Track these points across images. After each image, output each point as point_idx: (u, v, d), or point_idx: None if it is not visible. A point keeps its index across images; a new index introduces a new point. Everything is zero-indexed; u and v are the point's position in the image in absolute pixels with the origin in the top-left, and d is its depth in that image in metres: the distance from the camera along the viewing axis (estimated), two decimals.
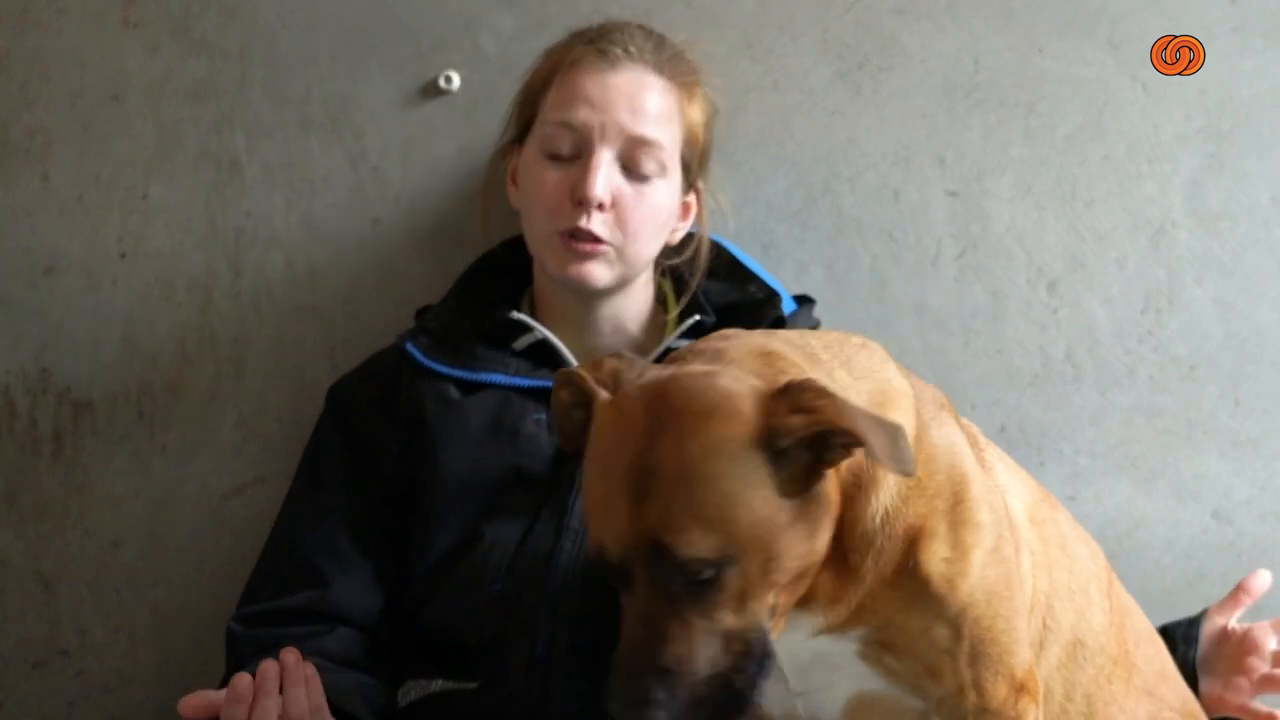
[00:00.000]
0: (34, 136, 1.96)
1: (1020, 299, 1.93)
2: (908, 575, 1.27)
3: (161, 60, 1.96)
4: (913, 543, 1.27)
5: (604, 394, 1.23)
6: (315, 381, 1.90)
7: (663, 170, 1.69)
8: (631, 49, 1.70)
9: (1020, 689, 1.32)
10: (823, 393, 1.16)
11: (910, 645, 1.29)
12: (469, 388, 1.69)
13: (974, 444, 1.40)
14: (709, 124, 1.78)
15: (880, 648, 1.29)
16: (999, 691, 1.31)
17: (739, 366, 1.22)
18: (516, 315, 1.72)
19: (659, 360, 1.65)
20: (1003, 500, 1.37)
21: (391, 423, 1.70)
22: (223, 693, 1.44)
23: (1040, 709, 1.34)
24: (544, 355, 1.72)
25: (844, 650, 1.30)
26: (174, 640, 1.95)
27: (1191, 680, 1.67)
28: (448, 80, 1.93)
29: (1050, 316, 1.93)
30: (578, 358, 1.72)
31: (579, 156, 1.68)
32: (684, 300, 1.78)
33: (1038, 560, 1.42)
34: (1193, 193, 1.92)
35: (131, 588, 1.96)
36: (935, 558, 1.27)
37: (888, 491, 1.25)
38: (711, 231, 1.84)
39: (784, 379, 1.19)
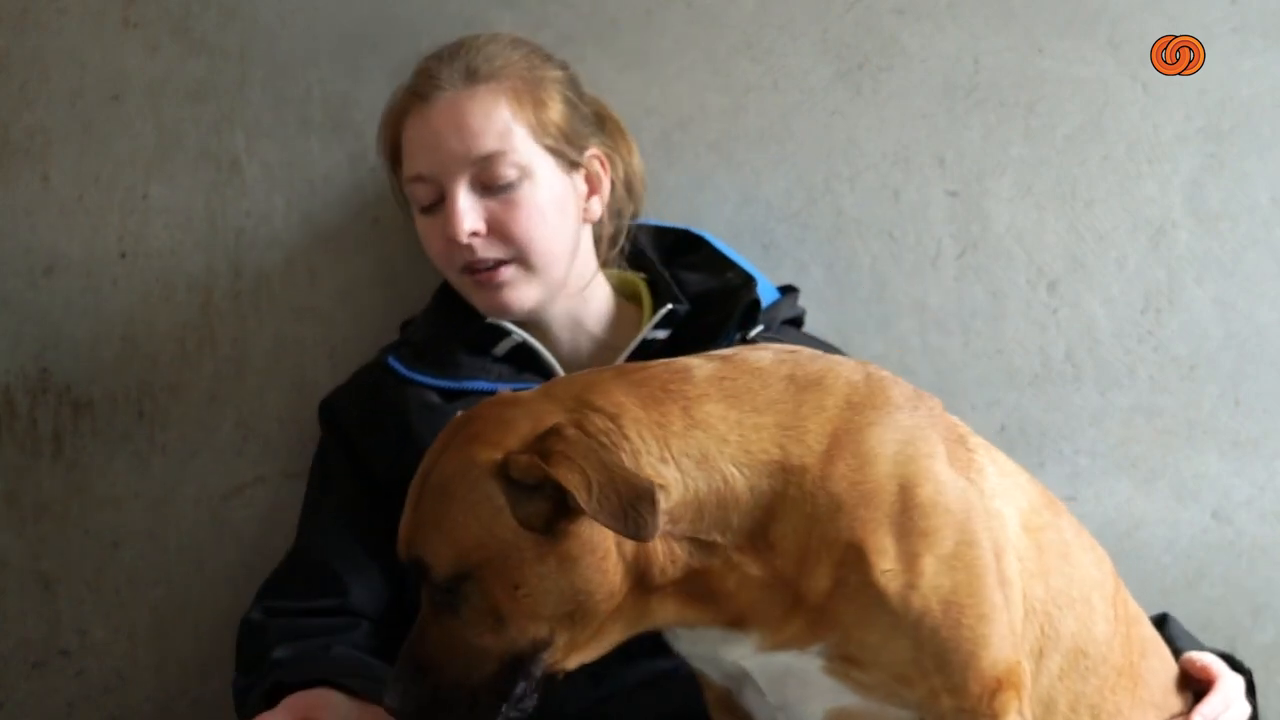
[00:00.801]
0: (34, 136, 1.96)
1: (1020, 299, 1.93)
2: (855, 590, 1.25)
3: (161, 60, 1.96)
4: (854, 557, 1.25)
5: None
6: (315, 381, 1.90)
7: (524, 171, 1.67)
8: (440, 78, 1.68)
9: (996, 686, 1.29)
10: (567, 441, 1.21)
11: (874, 659, 1.28)
12: (452, 395, 1.70)
13: (960, 445, 1.37)
14: (564, 98, 1.73)
15: (845, 662, 1.28)
16: (973, 691, 1.29)
17: (557, 401, 1.27)
18: (494, 321, 1.73)
19: (636, 354, 1.68)
20: (974, 503, 1.32)
21: (380, 433, 1.71)
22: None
23: (1025, 701, 1.32)
24: (525, 359, 1.72)
25: (809, 666, 1.29)
26: (174, 640, 1.95)
27: None
28: None
29: (1050, 316, 1.93)
30: (558, 361, 1.72)
31: (443, 202, 1.68)
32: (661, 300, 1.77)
33: (1030, 567, 1.37)
34: (1193, 193, 1.92)
35: (131, 588, 1.96)
36: (877, 570, 1.25)
37: (794, 514, 1.25)
38: (699, 227, 1.84)
39: (559, 421, 1.24)
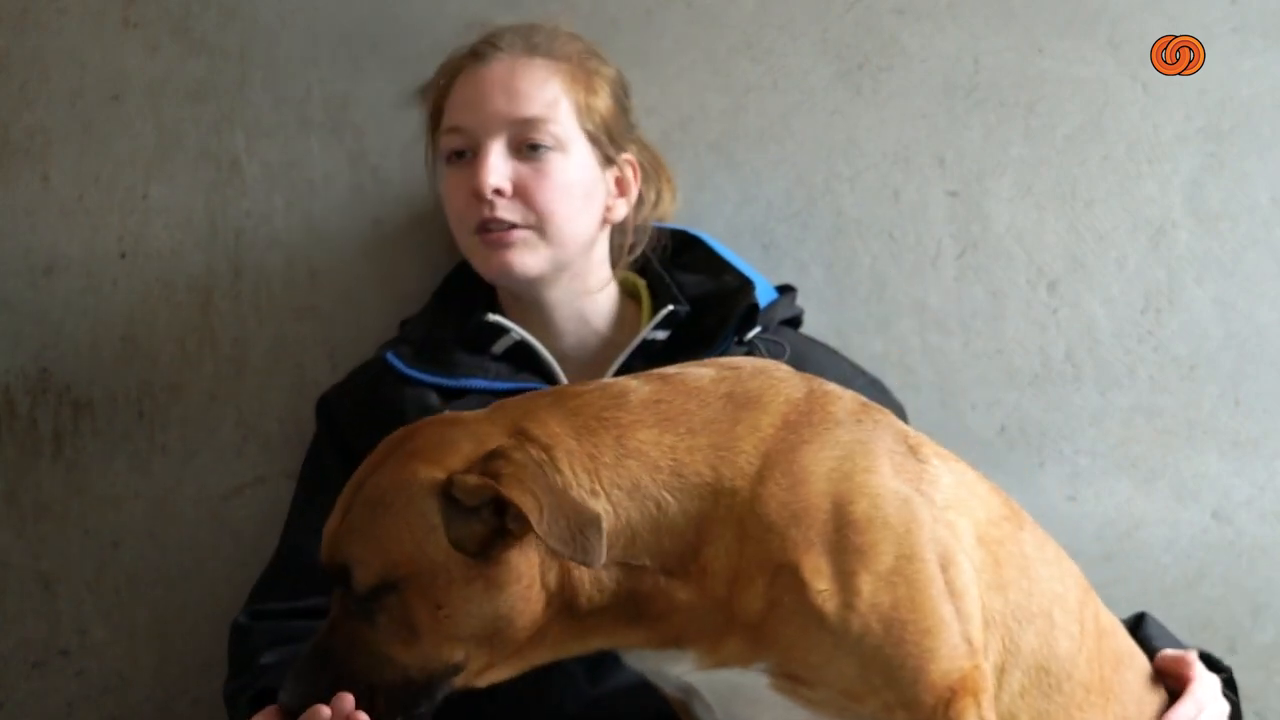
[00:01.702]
0: (34, 136, 1.96)
1: (1020, 299, 1.93)
2: (791, 611, 1.25)
3: (161, 60, 1.96)
4: (788, 578, 1.24)
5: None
6: (315, 381, 1.90)
7: (559, 144, 1.69)
8: (501, 44, 1.72)
9: (950, 694, 1.27)
10: (515, 464, 1.21)
11: (819, 677, 1.27)
12: (450, 394, 1.70)
13: (910, 456, 1.34)
14: (614, 96, 1.76)
15: (790, 680, 1.27)
16: (926, 702, 1.26)
17: (499, 426, 1.27)
18: (493, 318, 1.73)
19: (636, 353, 1.67)
20: (916, 515, 1.29)
21: (377, 431, 1.69)
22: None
23: (986, 704, 1.29)
24: (523, 358, 1.72)
25: (755, 683, 1.28)
26: (174, 640, 1.95)
27: None
28: None
29: (1050, 316, 1.93)
30: (555, 359, 1.72)
31: (474, 156, 1.69)
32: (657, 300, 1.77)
33: (988, 578, 1.34)
34: (1193, 193, 1.92)
35: (131, 588, 1.95)
36: (812, 591, 1.24)
37: (725, 536, 1.24)
38: (698, 229, 1.84)
39: (503, 444, 1.25)
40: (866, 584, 1.25)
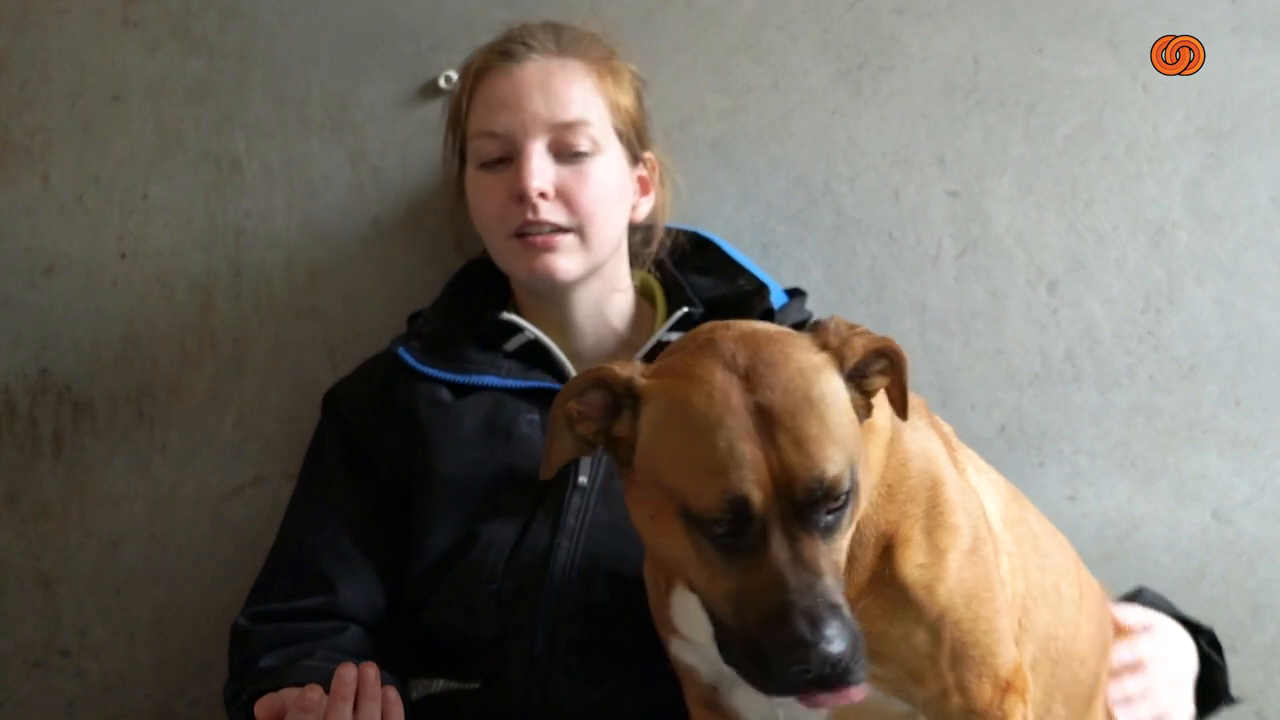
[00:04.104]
0: (34, 136, 1.96)
1: (1020, 299, 1.93)
2: (885, 582, 1.27)
3: (161, 60, 1.96)
4: (887, 549, 1.27)
5: (643, 380, 1.24)
6: (315, 381, 1.90)
7: (597, 146, 1.69)
8: (532, 43, 1.71)
9: (1006, 688, 1.31)
10: (851, 325, 1.22)
11: (892, 651, 1.29)
12: (461, 390, 1.70)
13: (947, 444, 1.40)
14: (637, 94, 1.78)
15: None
16: (984, 693, 1.30)
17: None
18: (507, 316, 1.73)
19: (650, 354, 1.66)
20: (978, 501, 1.37)
21: (386, 426, 1.71)
22: (294, 692, 1.41)
23: (1029, 706, 1.34)
24: (535, 356, 1.72)
25: None
26: (174, 640, 1.95)
27: None
28: (448, 80, 1.93)
29: (1050, 316, 1.93)
30: (567, 358, 1.72)
31: (512, 159, 1.69)
32: (671, 299, 1.78)
33: (1014, 563, 1.41)
34: (1193, 193, 1.92)
35: (131, 588, 1.96)
36: (911, 563, 1.27)
37: (862, 500, 1.25)
38: (703, 229, 1.85)
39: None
40: (954, 561, 1.29)
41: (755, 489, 1.16)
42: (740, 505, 1.16)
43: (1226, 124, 1.92)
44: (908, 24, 1.93)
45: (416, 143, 1.94)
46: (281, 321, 1.95)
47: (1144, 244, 1.92)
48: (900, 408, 1.25)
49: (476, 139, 1.72)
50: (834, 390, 1.20)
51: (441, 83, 1.93)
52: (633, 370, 1.26)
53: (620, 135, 1.73)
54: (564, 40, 1.72)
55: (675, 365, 1.24)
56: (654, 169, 1.80)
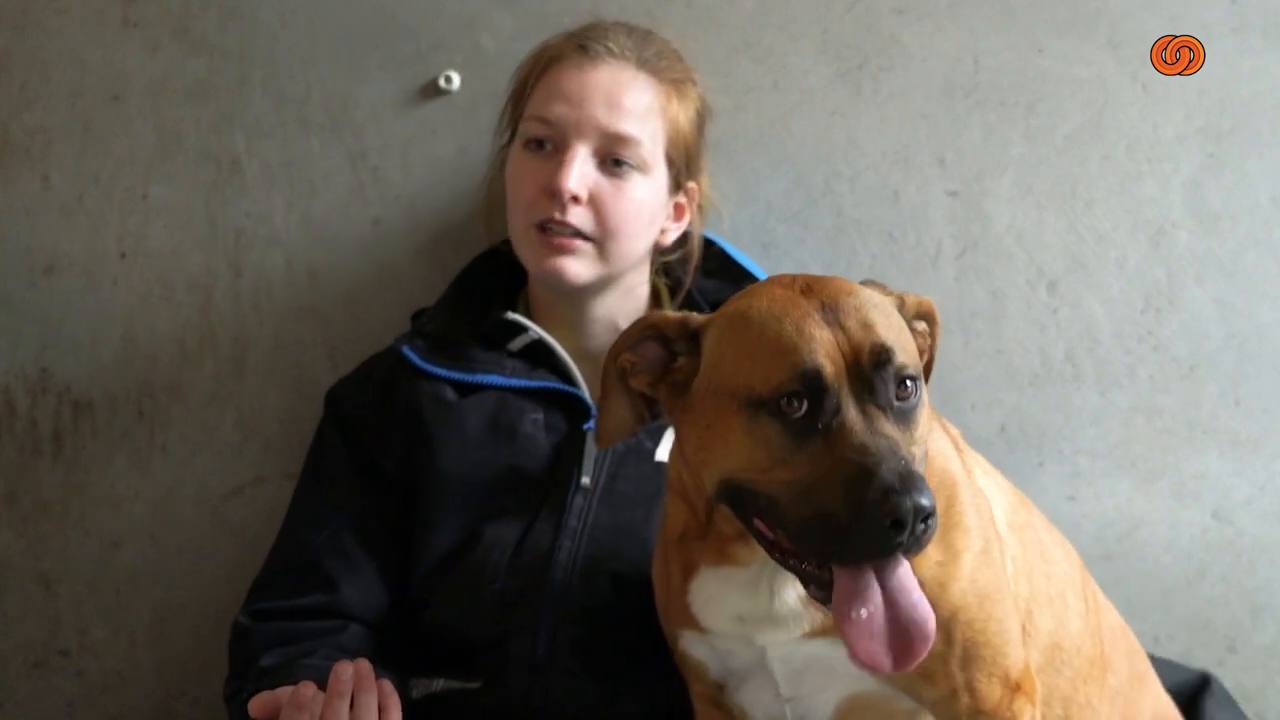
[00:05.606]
0: (34, 136, 1.96)
1: (1020, 299, 1.93)
2: None
3: (161, 60, 1.96)
4: None
5: (700, 317, 1.30)
6: (315, 381, 1.90)
7: (643, 166, 1.69)
8: (613, 46, 1.71)
9: (1015, 689, 1.32)
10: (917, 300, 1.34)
11: None
12: (466, 389, 1.70)
13: (955, 446, 1.41)
14: (699, 123, 1.78)
15: None
16: (993, 693, 1.31)
17: None
18: (511, 316, 1.73)
19: None
20: (987, 503, 1.38)
21: (390, 425, 1.70)
22: (289, 690, 1.41)
23: (1037, 708, 1.34)
24: (540, 356, 1.72)
25: (840, 654, 1.29)
26: (174, 640, 1.95)
27: None
28: (448, 80, 1.93)
29: (1050, 316, 1.93)
30: (573, 358, 1.72)
31: (558, 151, 1.68)
32: (679, 298, 1.79)
33: (1019, 566, 1.41)
34: (1193, 193, 1.92)
35: (131, 588, 1.96)
36: (928, 562, 1.28)
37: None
38: (706, 230, 1.85)
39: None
40: (968, 562, 1.30)
41: (826, 361, 1.18)
42: (813, 376, 1.18)
43: (1226, 124, 1.92)
44: (908, 24, 1.93)
45: (416, 143, 1.94)
46: (281, 321, 1.95)
47: (1144, 244, 1.92)
48: (926, 371, 1.31)
49: (530, 121, 1.71)
50: (895, 312, 1.26)
51: (441, 83, 1.93)
52: (683, 315, 1.30)
53: (670, 161, 1.73)
54: (645, 53, 1.72)
55: (732, 299, 1.30)
56: (693, 197, 1.79)
